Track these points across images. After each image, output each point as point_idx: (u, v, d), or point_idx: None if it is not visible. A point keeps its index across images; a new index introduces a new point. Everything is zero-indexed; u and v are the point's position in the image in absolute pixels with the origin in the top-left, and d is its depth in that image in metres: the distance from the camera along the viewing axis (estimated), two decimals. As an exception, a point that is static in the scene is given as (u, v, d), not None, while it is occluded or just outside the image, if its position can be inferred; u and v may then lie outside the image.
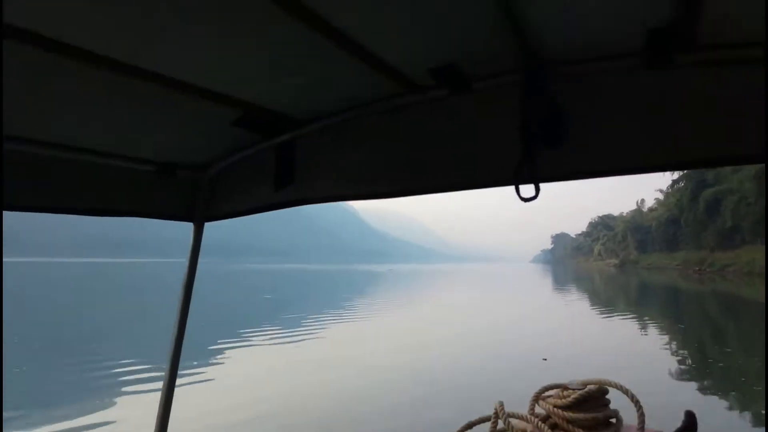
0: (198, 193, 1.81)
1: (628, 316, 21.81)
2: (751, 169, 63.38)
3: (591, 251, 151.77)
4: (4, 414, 7.26)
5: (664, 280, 57.49)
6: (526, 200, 1.16)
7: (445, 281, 59.49)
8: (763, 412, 7.24)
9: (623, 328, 18.07)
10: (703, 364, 11.32)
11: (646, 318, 21.13)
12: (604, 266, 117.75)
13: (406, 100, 1.32)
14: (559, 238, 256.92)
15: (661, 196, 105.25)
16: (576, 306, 27.44)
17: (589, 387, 2.27)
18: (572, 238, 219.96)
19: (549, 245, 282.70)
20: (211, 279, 52.94)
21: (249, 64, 1.19)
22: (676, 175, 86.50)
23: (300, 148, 1.54)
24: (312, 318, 19.27)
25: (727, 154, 1.02)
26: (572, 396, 2.24)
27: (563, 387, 2.32)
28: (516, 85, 1.18)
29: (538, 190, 1.15)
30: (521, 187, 1.16)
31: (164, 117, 1.41)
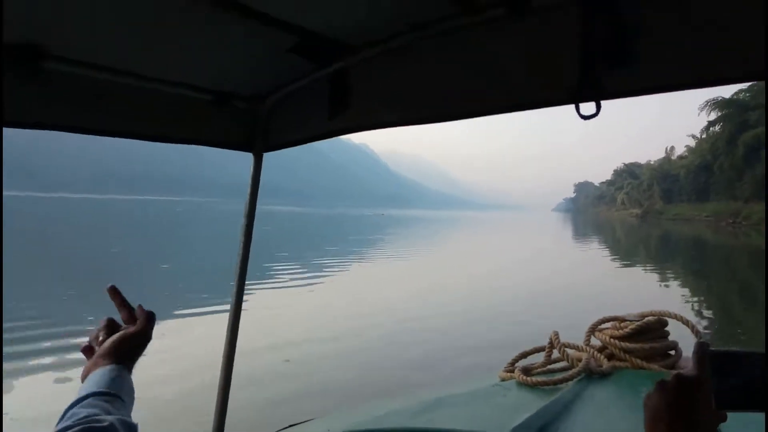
0: (256, 123, 1.82)
1: (648, 269, 21.66)
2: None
3: (614, 200, 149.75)
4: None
5: (690, 232, 56.01)
6: (586, 118, 1.14)
7: (452, 232, 57.32)
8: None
9: (642, 281, 17.96)
10: (730, 327, 11.04)
11: (669, 272, 20.96)
12: (627, 216, 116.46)
13: (462, 22, 1.28)
14: (582, 187, 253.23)
15: (692, 143, 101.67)
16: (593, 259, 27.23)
17: (647, 318, 2.22)
18: (595, 186, 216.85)
19: (571, 194, 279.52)
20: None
21: None
22: (713, 115, 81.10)
23: (354, 74, 1.54)
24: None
25: None
26: (629, 327, 2.19)
27: (620, 319, 2.27)
28: (576, 1, 1.12)
29: (599, 107, 1.11)
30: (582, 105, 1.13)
31: (222, 43, 1.41)
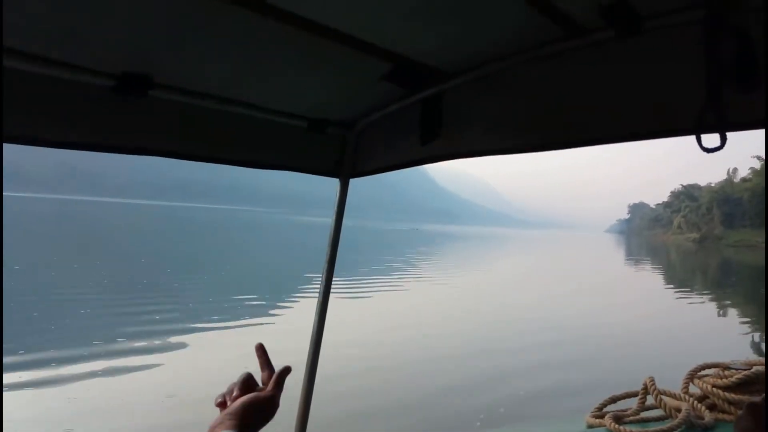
0: (345, 149, 1.81)
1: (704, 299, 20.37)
2: None
3: (670, 223, 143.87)
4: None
5: (754, 260, 52.65)
6: (709, 151, 1.01)
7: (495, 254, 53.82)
8: None
9: (696, 311, 16.92)
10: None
11: (727, 302, 19.72)
12: (683, 240, 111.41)
13: (567, 45, 1.18)
14: (637, 208, 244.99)
15: (758, 165, 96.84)
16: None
17: (755, 367, 2.00)
18: (651, 208, 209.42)
19: (626, 215, 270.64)
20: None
21: (403, 11, 1.10)
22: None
23: (447, 101, 1.47)
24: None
25: None
26: (735, 376, 1.98)
27: (723, 366, 2.07)
28: (696, 21, 1.00)
29: (724, 139, 0.99)
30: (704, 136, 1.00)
31: (319, 71, 1.39)
